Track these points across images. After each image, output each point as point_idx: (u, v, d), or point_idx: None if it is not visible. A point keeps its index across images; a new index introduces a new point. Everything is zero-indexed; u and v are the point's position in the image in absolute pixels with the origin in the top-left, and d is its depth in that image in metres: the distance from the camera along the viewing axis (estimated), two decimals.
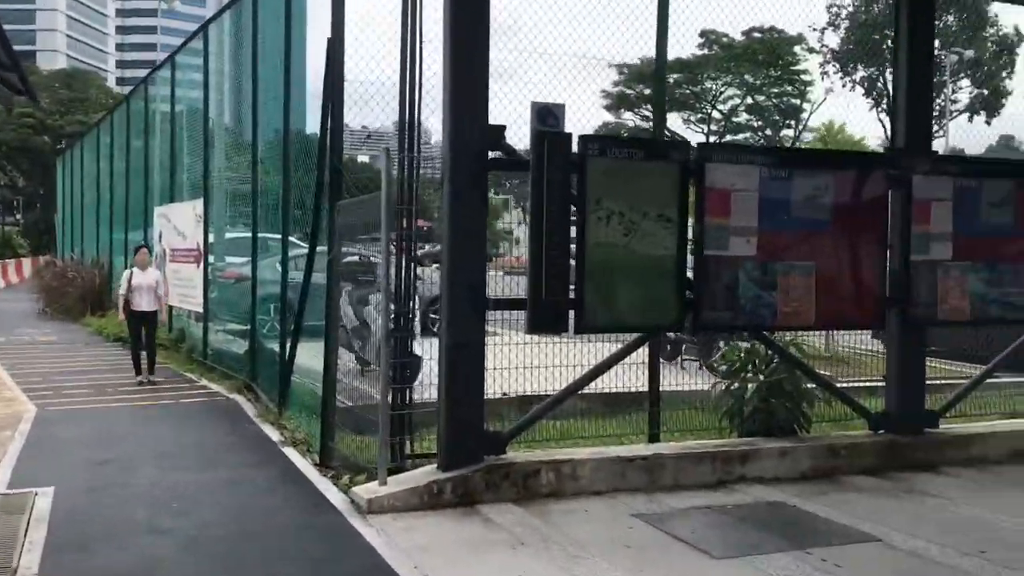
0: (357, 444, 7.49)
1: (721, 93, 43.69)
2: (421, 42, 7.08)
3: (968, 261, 7.65)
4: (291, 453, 7.81)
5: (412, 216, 7.06)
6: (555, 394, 6.94)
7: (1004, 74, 44.96)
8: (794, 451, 7.19)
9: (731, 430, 7.74)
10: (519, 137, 6.64)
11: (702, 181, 6.76)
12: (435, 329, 11.36)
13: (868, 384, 9.84)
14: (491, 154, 6.47)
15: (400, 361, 6.84)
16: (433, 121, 7.19)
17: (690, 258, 6.79)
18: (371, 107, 7.52)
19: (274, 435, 8.50)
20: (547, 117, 6.35)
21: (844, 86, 49.58)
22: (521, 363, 7.45)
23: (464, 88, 6.33)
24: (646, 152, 6.67)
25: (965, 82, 47.69)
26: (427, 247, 9.42)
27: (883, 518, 6.05)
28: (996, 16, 44.70)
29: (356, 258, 10.00)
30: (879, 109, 47.49)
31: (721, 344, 12.16)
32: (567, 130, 6.37)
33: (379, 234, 7.24)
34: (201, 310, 13.10)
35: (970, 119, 46.67)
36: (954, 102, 47.67)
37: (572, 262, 6.46)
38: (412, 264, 7.11)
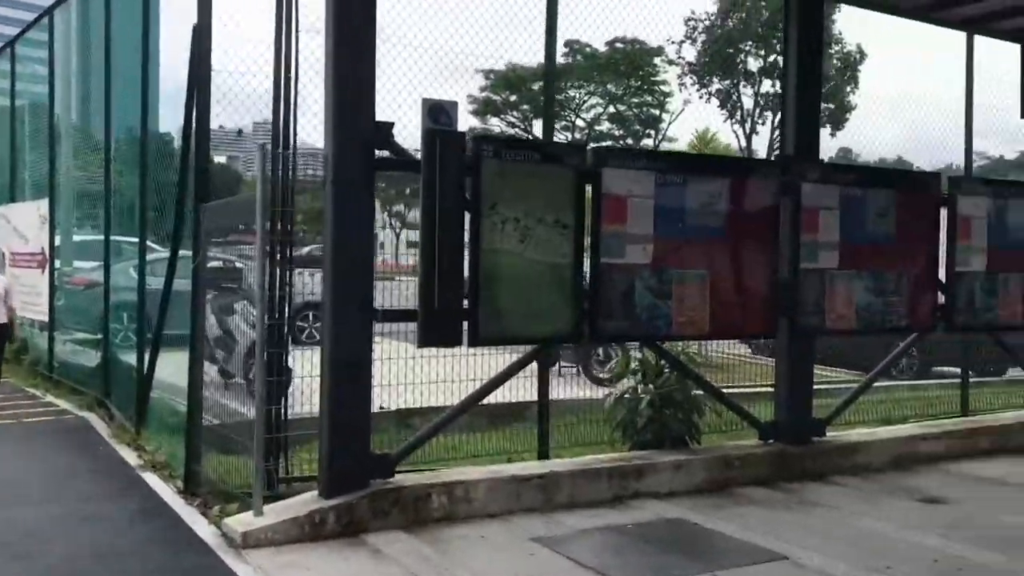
0: (226, 467, 6.85)
1: (584, 102, 44.22)
2: (298, 30, 6.56)
3: (854, 270, 7.68)
4: (151, 479, 7.10)
5: (288, 219, 6.52)
6: (446, 412, 6.53)
7: (848, 89, 47.35)
8: (689, 464, 7.02)
9: (624, 442, 7.52)
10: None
11: (599, 187, 6.50)
12: (303, 338, 10.84)
13: (741, 390, 9.90)
14: (378, 153, 6.01)
15: (275, 380, 6.27)
16: (311, 117, 6.73)
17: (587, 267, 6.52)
18: (241, 102, 6.98)
19: (131, 458, 7.74)
20: (439, 115, 5.95)
21: (701, 98, 51.15)
22: (406, 377, 7.03)
23: (351, 79, 5.83)
24: (542, 155, 6.36)
25: None
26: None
27: (784, 533, 5.92)
28: (840, 34, 47.03)
29: (219, 263, 9.32)
30: (733, 120, 49.20)
31: (599, 350, 12.05)
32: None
33: (246, 238, 6.64)
34: (46, 319, 12.00)
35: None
36: None
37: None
38: (288, 271, 6.57)
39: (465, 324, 6.04)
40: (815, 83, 7.70)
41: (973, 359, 11.48)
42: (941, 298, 8.35)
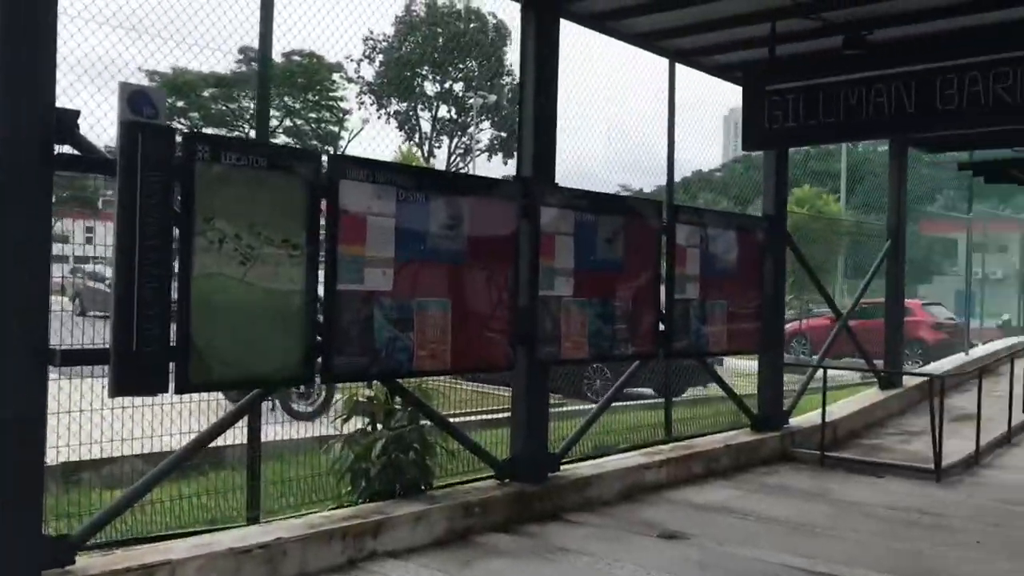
0: None
1: None
2: None
3: (586, 297, 7.43)
4: None
5: None
6: (145, 478, 5.27)
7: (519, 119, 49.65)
8: (428, 515, 6.29)
9: (353, 493, 6.63)
10: None
11: (335, 201, 5.62)
12: None
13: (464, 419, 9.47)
14: (58, 148, 4.69)
15: None
16: None
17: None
18: None
19: None
20: (142, 104, 4.74)
21: (380, 118, 51.29)
22: (91, 437, 5.66)
23: (21, 54, 4.48)
24: (270, 161, 5.33)
25: (486, 124, 52.04)
26: None
27: None
28: (512, 66, 49.36)
29: None
30: (411, 143, 49.75)
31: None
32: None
33: None
34: None
35: (489, 158, 50.94)
36: (478, 141, 51.72)
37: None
38: None
39: (172, 365, 4.89)
40: (552, 103, 7.35)
41: (660, 381, 11.88)
42: (660, 325, 8.36)
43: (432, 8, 49.96)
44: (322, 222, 5.60)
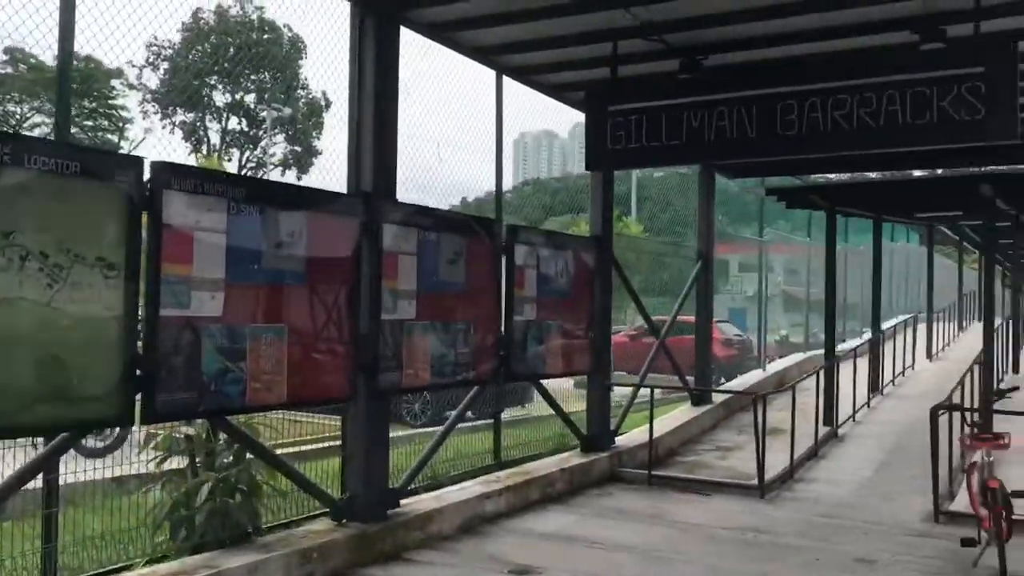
0: None
1: (28, 118, 39.06)
2: None
3: (429, 320, 7.02)
4: None
5: None
6: None
7: (315, 134, 48.51)
8: (264, 565, 5.61)
9: (174, 543, 5.83)
10: None
11: (159, 215, 4.91)
12: None
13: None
14: None
15: None
16: None
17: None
18: None
19: None
20: None
21: (164, 128, 48.53)
22: None
23: None
24: (83, 166, 4.56)
25: (280, 137, 50.38)
26: None
27: None
28: (307, 80, 48.08)
29: None
30: (199, 155, 47.33)
31: None
32: None
33: None
34: None
35: (283, 173, 49.27)
36: (272, 155, 49.93)
37: None
38: None
39: None
40: (394, 112, 6.86)
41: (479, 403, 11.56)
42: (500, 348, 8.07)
43: (223, 17, 47.91)
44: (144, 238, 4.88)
